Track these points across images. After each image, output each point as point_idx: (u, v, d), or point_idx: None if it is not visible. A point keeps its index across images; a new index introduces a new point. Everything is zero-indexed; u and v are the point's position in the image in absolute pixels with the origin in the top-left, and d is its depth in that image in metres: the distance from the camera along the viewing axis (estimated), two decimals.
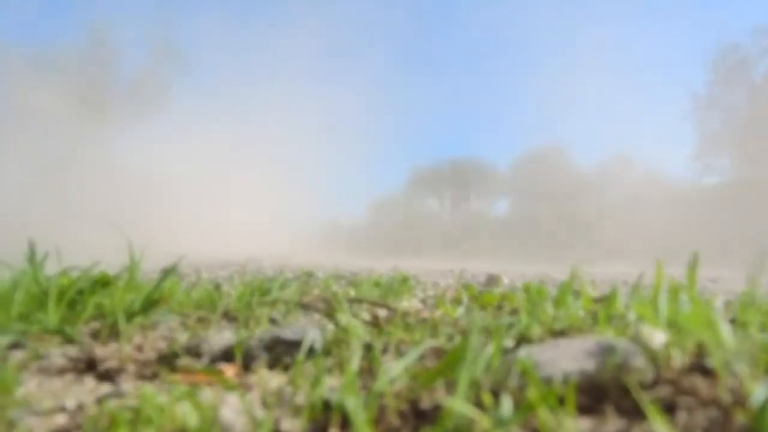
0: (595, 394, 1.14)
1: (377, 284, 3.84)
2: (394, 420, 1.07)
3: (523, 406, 0.93)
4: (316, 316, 2.68)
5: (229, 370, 1.55)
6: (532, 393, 0.94)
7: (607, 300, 1.73)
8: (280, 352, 1.65)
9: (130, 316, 2.05)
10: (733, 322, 1.65)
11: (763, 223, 19.02)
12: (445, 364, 1.12)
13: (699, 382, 1.13)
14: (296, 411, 1.16)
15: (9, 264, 2.23)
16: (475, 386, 1.11)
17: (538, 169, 55.20)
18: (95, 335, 2.00)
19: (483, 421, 0.93)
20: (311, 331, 1.72)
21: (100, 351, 1.70)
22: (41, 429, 1.12)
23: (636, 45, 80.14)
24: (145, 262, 2.40)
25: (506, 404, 0.95)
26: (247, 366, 1.61)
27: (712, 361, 1.18)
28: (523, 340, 1.70)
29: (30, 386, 1.43)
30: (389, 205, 60.49)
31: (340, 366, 1.59)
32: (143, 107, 46.66)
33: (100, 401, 1.26)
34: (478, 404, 1.03)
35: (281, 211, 43.82)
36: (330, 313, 2.60)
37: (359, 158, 68.29)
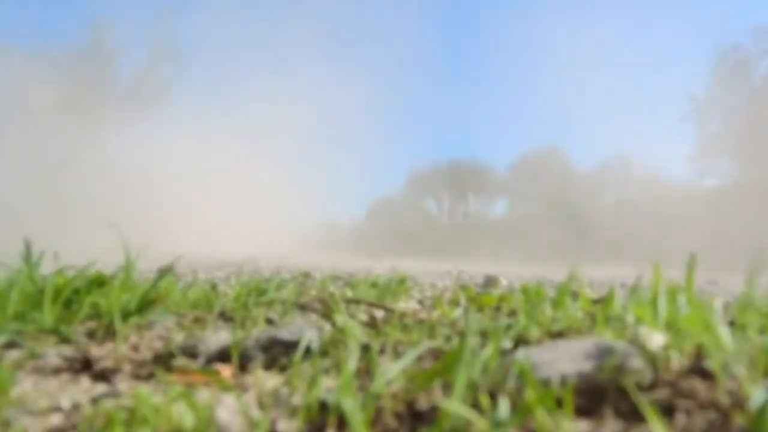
0: (593, 395, 1.13)
1: (375, 285, 3.84)
2: (390, 421, 1.07)
3: (520, 408, 0.93)
4: (313, 317, 2.68)
5: (226, 371, 1.55)
6: (529, 395, 0.94)
7: (605, 301, 1.72)
8: (277, 353, 1.65)
9: (126, 315, 2.05)
10: (731, 324, 1.64)
11: (762, 225, 19.04)
12: (443, 365, 1.12)
13: (697, 385, 1.12)
14: (293, 412, 1.15)
15: (5, 263, 2.22)
16: (472, 388, 1.10)
17: (536, 170, 55.26)
18: (91, 335, 1.99)
19: (480, 422, 0.93)
20: (308, 331, 1.71)
21: (95, 351, 1.70)
22: (36, 429, 1.12)
23: (635, 45, 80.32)
24: (142, 262, 2.40)
25: (504, 406, 0.95)
26: (243, 366, 1.61)
27: (711, 364, 1.18)
28: (520, 341, 1.70)
29: (25, 386, 1.42)
30: (387, 206, 60.54)
31: (337, 367, 1.59)
32: (142, 107, 46.68)
33: (95, 401, 1.26)
34: (476, 406, 1.03)
35: (279, 212, 43.84)
36: (327, 314, 2.60)
37: (358, 159, 68.35)
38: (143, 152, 41.43)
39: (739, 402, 1.05)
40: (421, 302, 3.53)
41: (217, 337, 1.76)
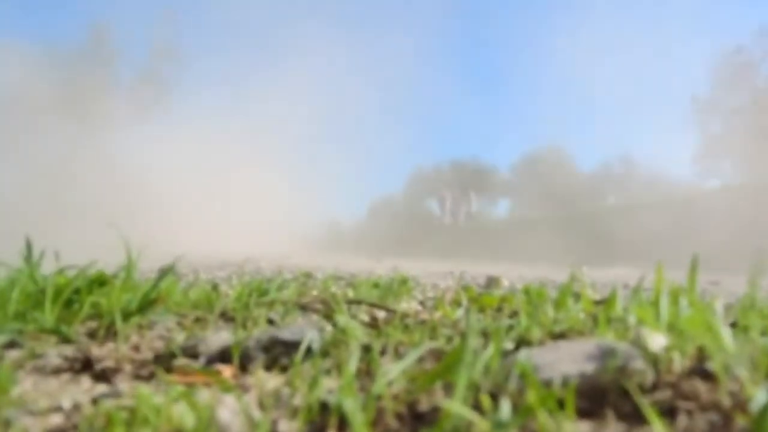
0: (595, 397, 1.13)
1: (376, 285, 3.84)
2: (392, 422, 1.07)
3: (522, 409, 0.93)
4: (315, 317, 2.68)
5: (227, 371, 1.55)
6: (531, 396, 0.94)
7: (607, 303, 1.72)
8: (278, 353, 1.64)
9: (126, 315, 2.05)
10: (733, 325, 1.64)
11: (765, 227, 19.03)
12: (444, 366, 1.12)
13: (699, 386, 1.12)
14: (294, 412, 1.15)
15: (6, 262, 2.22)
16: (473, 389, 1.10)
17: (539, 170, 55.35)
18: (92, 335, 2.00)
19: (481, 424, 0.93)
20: (309, 332, 1.71)
21: (96, 351, 1.70)
22: (37, 429, 1.11)
23: (638, 47, 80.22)
24: (143, 262, 2.40)
25: (505, 407, 0.95)
26: (244, 367, 1.61)
27: (713, 365, 1.18)
28: (522, 342, 1.70)
29: (26, 386, 1.42)
30: (389, 206, 60.65)
31: (338, 367, 1.59)
32: (143, 107, 46.81)
33: (96, 401, 1.26)
34: (477, 407, 1.03)
35: (280, 212, 43.86)
36: (328, 315, 2.60)
37: (359, 159, 68.47)
38: (144, 152, 41.52)
39: (741, 404, 1.05)
40: (422, 303, 3.53)
41: (218, 337, 1.76)
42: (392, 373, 1.19)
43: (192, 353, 1.67)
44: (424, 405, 1.13)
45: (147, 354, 1.75)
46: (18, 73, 42.01)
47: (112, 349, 1.78)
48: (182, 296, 2.76)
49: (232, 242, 32.23)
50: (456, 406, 0.95)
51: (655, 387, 1.16)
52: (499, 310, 2.94)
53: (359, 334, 1.96)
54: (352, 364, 1.17)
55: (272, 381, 1.47)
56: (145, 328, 2.17)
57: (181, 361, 1.58)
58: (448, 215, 43.20)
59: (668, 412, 1.06)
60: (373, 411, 1.04)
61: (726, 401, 1.06)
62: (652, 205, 28.43)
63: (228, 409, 1.07)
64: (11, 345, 1.79)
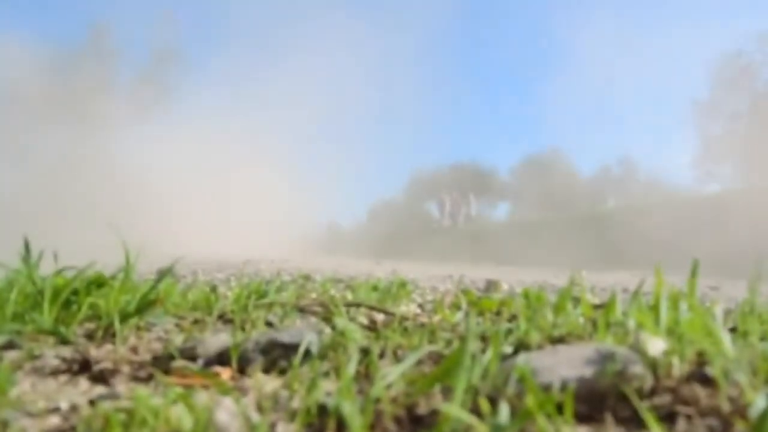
0: (594, 401, 1.13)
1: (375, 288, 3.84)
2: (390, 425, 1.07)
3: (520, 413, 0.93)
4: (313, 320, 2.68)
5: (225, 373, 1.55)
6: (530, 400, 0.94)
7: (606, 307, 1.72)
8: (277, 356, 1.64)
9: (125, 317, 2.05)
10: (733, 330, 1.64)
11: (765, 232, 19.01)
12: (443, 369, 1.12)
13: (699, 391, 1.12)
14: (292, 415, 1.15)
15: (4, 263, 2.22)
16: (472, 392, 1.10)
17: (539, 173, 55.41)
18: (90, 336, 2.00)
19: (480, 427, 0.93)
20: (308, 334, 1.71)
21: (94, 352, 1.70)
22: (35, 430, 1.12)
23: (638, 51, 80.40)
24: (142, 263, 2.40)
25: (504, 411, 0.95)
26: (242, 369, 1.61)
27: (713, 370, 1.18)
28: (521, 346, 1.70)
29: (24, 387, 1.42)
30: (389, 209, 60.75)
31: (337, 370, 1.59)
32: (143, 107, 46.84)
33: (94, 402, 1.26)
34: (476, 410, 1.03)
35: (280, 214, 43.81)
36: (327, 317, 2.60)
37: (359, 161, 68.45)
38: (143, 153, 41.52)
39: (740, 409, 1.04)
40: (421, 306, 3.53)
41: (217, 339, 1.76)
42: (391, 376, 1.19)
43: (190, 355, 1.67)
44: (422, 408, 1.13)
45: (145, 356, 1.75)
46: (18, 72, 42.09)
47: (110, 350, 1.78)
48: (181, 298, 2.76)
49: (230, 244, 32.21)
50: (455, 410, 0.95)
51: (654, 392, 1.15)
52: (498, 313, 2.94)
53: (358, 337, 1.96)
54: (351, 367, 1.17)
55: (270, 383, 1.47)
56: (144, 330, 2.17)
57: (179, 363, 1.58)
58: (448, 218, 43.16)
59: (667, 417, 1.06)
60: (371, 414, 1.04)
61: (725, 406, 1.06)
62: (652, 209, 28.40)
63: (226, 411, 1.07)
64: (9, 346, 1.79)
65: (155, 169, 40.44)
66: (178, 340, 1.87)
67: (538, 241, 28.69)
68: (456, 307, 2.98)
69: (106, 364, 1.58)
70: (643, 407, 1.04)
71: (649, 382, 1.17)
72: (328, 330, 2.24)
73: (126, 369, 1.58)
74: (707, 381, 1.19)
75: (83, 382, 1.49)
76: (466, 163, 62.07)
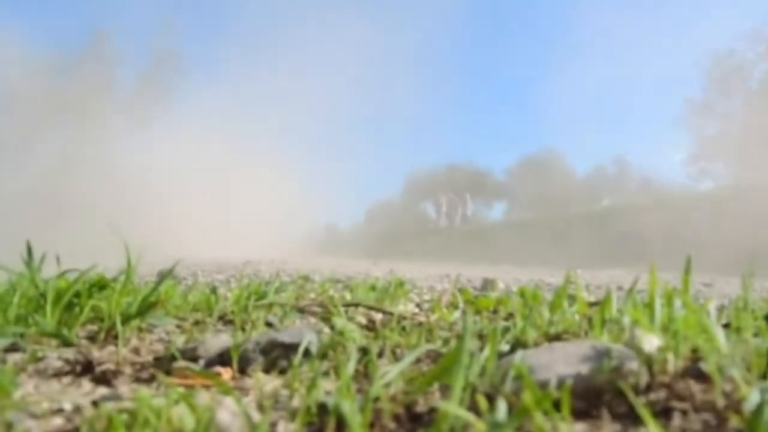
0: (591, 398, 1.14)
1: (373, 288, 3.84)
2: (389, 423, 1.08)
3: (518, 410, 0.93)
4: (313, 320, 2.69)
5: (226, 373, 1.56)
6: (527, 397, 0.94)
7: (601, 304, 1.73)
8: (277, 356, 1.65)
9: (126, 319, 2.06)
10: (727, 326, 1.66)
11: (757, 229, 19.05)
12: (441, 368, 1.12)
13: (693, 387, 1.13)
14: (292, 414, 1.16)
15: (7, 267, 2.23)
16: (470, 390, 1.11)
17: (534, 173, 55.38)
18: (92, 338, 2.01)
19: (478, 425, 0.93)
20: (307, 334, 1.72)
21: (97, 354, 1.70)
22: (38, 431, 1.12)
23: (631, 50, 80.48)
24: (143, 265, 2.40)
25: (501, 408, 0.95)
26: (243, 369, 1.62)
27: (707, 366, 1.18)
28: (518, 344, 1.71)
29: (27, 388, 1.43)
30: (386, 210, 60.62)
31: (336, 369, 1.60)
32: (144, 111, 46.77)
33: (96, 403, 1.27)
34: (474, 408, 1.03)
35: (278, 216, 43.70)
36: (326, 317, 2.61)
37: (357, 163, 68.42)
38: (143, 154, 41.48)
39: (734, 404, 1.05)
40: (419, 305, 3.54)
41: (217, 340, 1.77)
42: (390, 374, 1.20)
43: (191, 356, 1.68)
44: (421, 406, 1.14)
45: (147, 357, 1.76)
46: (19, 74, 41.95)
47: (112, 352, 1.79)
48: (181, 299, 2.77)
49: (230, 245, 32.11)
50: (453, 408, 0.95)
51: (649, 388, 1.16)
52: (494, 312, 2.95)
53: (357, 337, 1.98)
54: (350, 366, 1.18)
55: (271, 383, 1.48)
56: (145, 332, 2.18)
57: (180, 364, 1.59)
58: (444, 218, 43.10)
59: (663, 413, 1.07)
60: (370, 412, 1.05)
61: (720, 401, 1.07)
62: (646, 207, 28.42)
63: (227, 410, 1.07)
64: (13, 348, 1.79)
65: (155, 170, 40.38)
66: (179, 341, 1.88)
67: (534, 240, 28.68)
68: (453, 306, 2.99)
69: (109, 366, 1.58)
70: (639, 403, 1.04)
71: (644, 379, 1.18)
72: (327, 330, 2.25)
73: (128, 370, 1.59)
74: (702, 377, 1.19)
75: (86, 384, 1.49)
76: (462, 163, 62.02)
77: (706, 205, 24.68)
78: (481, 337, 2.01)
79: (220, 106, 48.74)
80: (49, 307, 1.99)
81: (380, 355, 1.81)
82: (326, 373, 1.58)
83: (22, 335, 1.86)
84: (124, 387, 1.47)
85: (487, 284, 6.46)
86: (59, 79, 43.75)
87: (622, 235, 25.04)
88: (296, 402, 1.27)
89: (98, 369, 1.56)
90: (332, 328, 2.19)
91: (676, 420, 1.04)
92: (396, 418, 1.10)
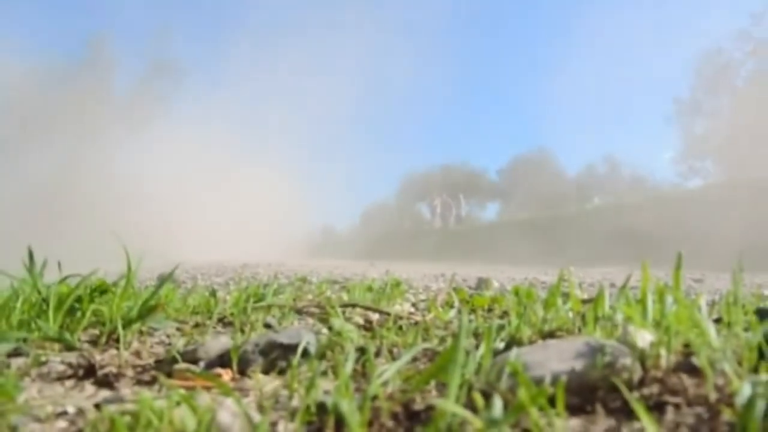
0: (585, 393, 1.15)
1: (370, 289, 3.85)
2: (387, 421, 1.09)
3: (514, 407, 0.94)
4: (311, 321, 2.70)
5: (226, 375, 1.57)
6: (522, 393, 0.95)
7: (594, 302, 1.74)
8: (276, 357, 1.66)
9: (128, 322, 2.06)
10: (718, 321, 1.68)
11: (746, 225, 19.08)
12: (437, 366, 1.13)
13: (686, 381, 1.15)
14: (292, 414, 1.17)
15: (9, 273, 2.24)
16: (466, 388, 1.11)
17: (526, 174, 55.38)
18: (94, 342, 2.01)
19: (475, 421, 0.94)
20: (306, 335, 1.73)
21: (99, 357, 1.71)
22: None
23: (622, 51, 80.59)
24: (143, 269, 2.41)
25: (497, 405, 0.96)
26: (243, 370, 1.63)
27: (699, 360, 1.20)
28: (513, 341, 1.72)
29: (31, 392, 1.44)
30: (381, 212, 60.55)
31: (335, 369, 1.61)
32: (141, 117, 46.64)
33: (99, 406, 1.27)
34: (470, 405, 1.04)
35: (276, 218, 43.66)
36: (324, 318, 2.62)
37: (352, 165, 68.29)
38: (142, 161, 41.40)
39: (726, 397, 1.07)
40: (415, 305, 3.55)
41: (217, 342, 1.78)
42: (387, 373, 1.21)
43: (192, 358, 1.69)
44: (418, 404, 1.15)
45: (148, 359, 1.77)
46: (17, 82, 41.78)
47: (114, 355, 1.80)
48: (181, 303, 2.78)
49: (229, 249, 32.03)
50: (449, 405, 0.96)
51: (642, 382, 1.18)
52: (489, 310, 2.97)
53: (354, 337, 1.99)
54: (348, 366, 1.20)
55: (270, 384, 1.49)
56: (146, 335, 2.19)
57: (181, 366, 1.60)
58: (439, 219, 43.05)
59: (656, 407, 1.08)
60: (368, 411, 1.06)
61: (712, 395, 1.09)
62: (636, 205, 28.47)
63: (228, 411, 1.08)
64: (16, 353, 1.80)
65: (153, 175, 40.29)
66: (179, 343, 1.89)
67: (527, 240, 28.68)
68: (449, 305, 3.00)
69: (111, 369, 1.59)
70: (632, 398, 1.05)
71: (637, 374, 1.19)
72: (325, 330, 2.27)
73: (130, 373, 1.60)
74: (694, 371, 1.21)
75: (89, 387, 1.50)
76: (456, 164, 61.97)
77: (695, 203, 24.71)
78: (476, 335, 2.03)
79: (217, 111, 48.71)
80: (51, 312, 2.00)
81: (377, 354, 1.83)
82: (325, 373, 1.60)
83: (25, 340, 1.87)
84: (126, 389, 1.47)
85: (482, 283, 6.46)
86: (58, 86, 43.64)
87: (613, 233, 25.06)
88: (295, 402, 1.28)
89: (100, 372, 1.57)
90: (330, 328, 2.20)
91: (670, 414, 1.05)
92: (394, 416, 1.11)
